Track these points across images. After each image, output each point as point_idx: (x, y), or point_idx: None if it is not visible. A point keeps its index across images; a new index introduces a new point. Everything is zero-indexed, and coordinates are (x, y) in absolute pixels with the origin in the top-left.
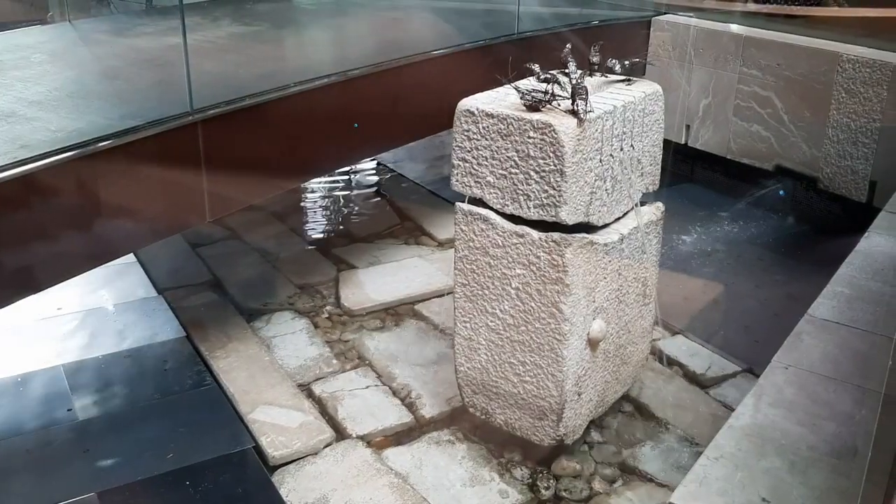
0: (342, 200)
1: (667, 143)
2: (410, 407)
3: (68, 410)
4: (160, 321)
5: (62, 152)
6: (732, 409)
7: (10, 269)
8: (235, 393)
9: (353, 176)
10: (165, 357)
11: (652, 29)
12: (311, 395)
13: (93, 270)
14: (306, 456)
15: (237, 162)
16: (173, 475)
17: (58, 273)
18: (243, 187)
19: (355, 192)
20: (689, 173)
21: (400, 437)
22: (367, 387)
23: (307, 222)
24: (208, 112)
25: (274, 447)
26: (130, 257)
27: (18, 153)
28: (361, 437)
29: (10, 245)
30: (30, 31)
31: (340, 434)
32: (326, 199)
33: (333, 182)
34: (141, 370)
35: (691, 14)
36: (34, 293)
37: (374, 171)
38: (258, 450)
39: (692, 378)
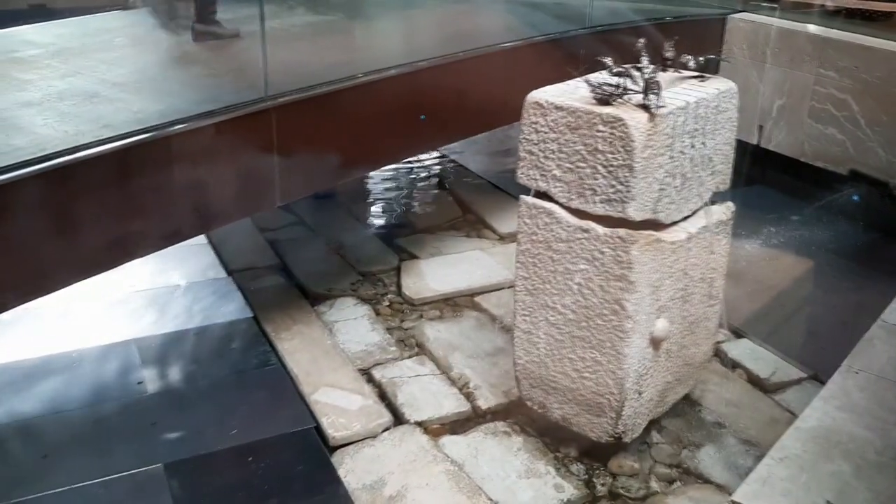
0: (406, 191)
1: (738, 143)
2: (468, 397)
3: (139, 384)
4: (229, 301)
5: (142, 133)
6: (795, 415)
7: (87, 245)
8: (299, 374)
9: (416, 167)
10: (233, 336)
11: (727, 26)
12: (371, 379)
13: (166, 250)
14: (365, 439)
15: (307, 149)
16: (236, 451)
17: (133, 250)
18: (312, 174)
19: (419, 183)
20: (760, 175)
21: (456, 425)
22: (425, 375)
23: (371, 211)
24: (282, 99)
25: (334, 428)
26: (203, 238)
27: (101, 132)
28: (419, 424)
29: (88, 222)
30: (112, 16)
31: (398, 419)
32: (390, 189)
33: (398, 172)
34: (209, 348)
35: (769, 12)
36: (108, 269)
37: (437, 163)
38: (319, 430)
39: (755, 382)
